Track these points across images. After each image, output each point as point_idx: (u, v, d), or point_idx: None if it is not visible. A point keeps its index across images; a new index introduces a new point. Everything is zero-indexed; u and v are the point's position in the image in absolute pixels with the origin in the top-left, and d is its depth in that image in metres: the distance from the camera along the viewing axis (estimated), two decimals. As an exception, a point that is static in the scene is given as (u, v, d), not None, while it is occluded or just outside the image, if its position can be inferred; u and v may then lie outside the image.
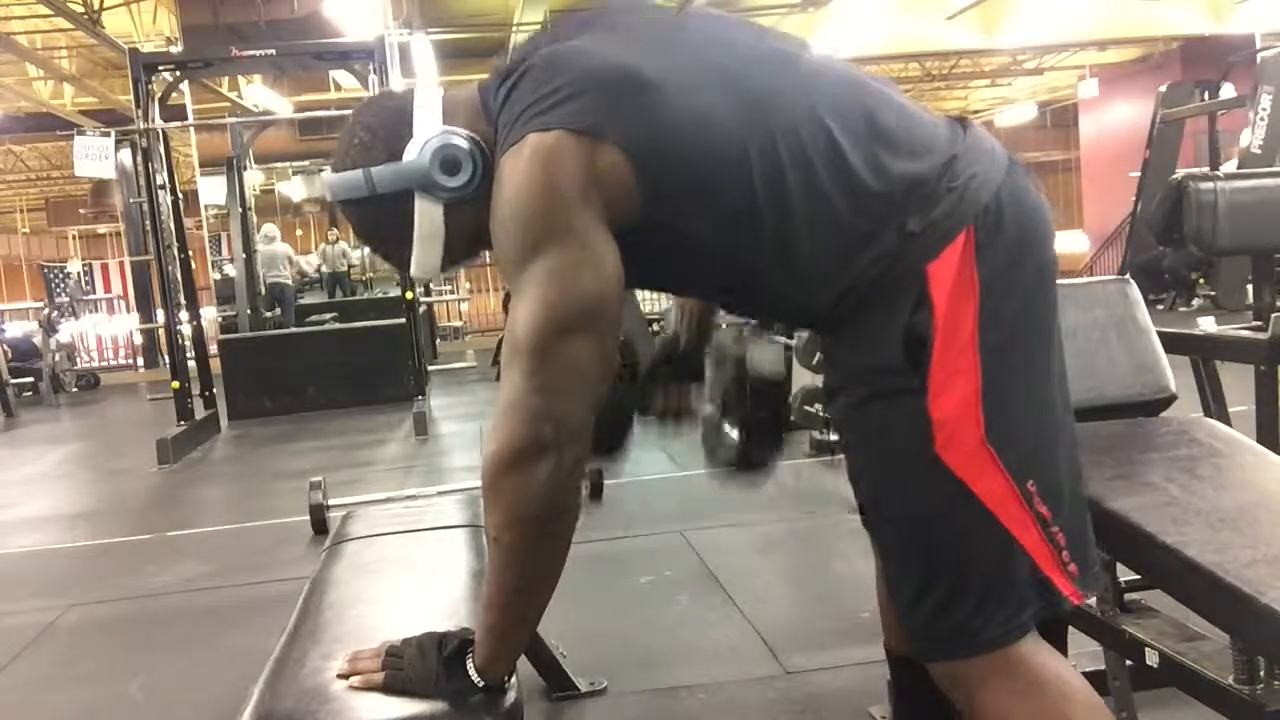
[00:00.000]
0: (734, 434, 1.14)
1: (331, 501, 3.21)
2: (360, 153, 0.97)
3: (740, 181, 0.89)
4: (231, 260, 8.15)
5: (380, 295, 9.32)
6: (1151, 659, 1.29)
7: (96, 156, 5.39)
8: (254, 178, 8.93)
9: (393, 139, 0.96)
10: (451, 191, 0.94)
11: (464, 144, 0.94)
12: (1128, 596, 1.38)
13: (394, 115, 0.98)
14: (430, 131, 0.95)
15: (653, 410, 1.17)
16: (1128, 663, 1.38)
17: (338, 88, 9.12)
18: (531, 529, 0.89)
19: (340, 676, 1.00)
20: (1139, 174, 7.31)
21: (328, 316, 8.55)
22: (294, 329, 8.08)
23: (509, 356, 0.88)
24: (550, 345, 0.86)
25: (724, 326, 1.19)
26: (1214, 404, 2.02)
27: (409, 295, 5.67)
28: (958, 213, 0.90)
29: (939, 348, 0.89)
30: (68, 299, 9.14)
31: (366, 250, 10.12)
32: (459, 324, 10.63)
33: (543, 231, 0.86)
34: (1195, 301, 5.54)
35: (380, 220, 0.99)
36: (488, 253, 1.02)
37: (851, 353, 0.95)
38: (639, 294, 4.70)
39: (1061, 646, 1.36)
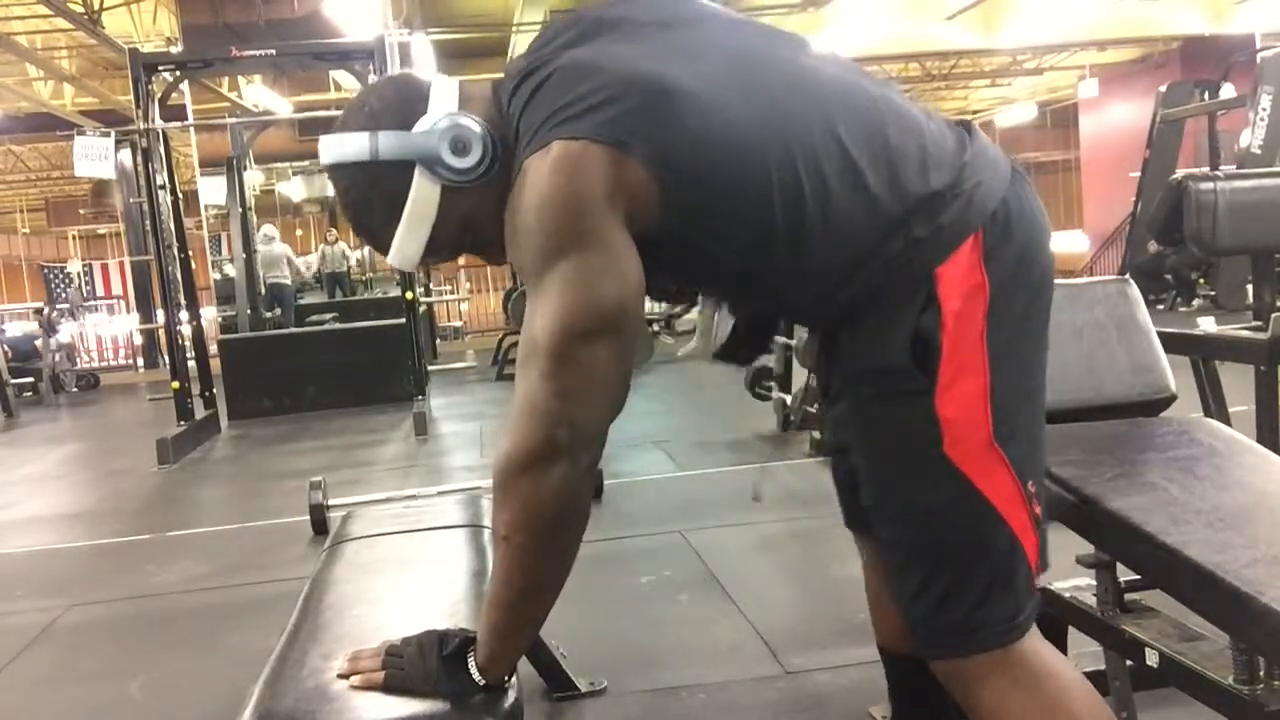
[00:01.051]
0: (728, 325, 1.13)
1: (331, 501, 3.21)
2: (369, 118, 0.95)
3: (760, 199, 0.90)
4: (231, 260, 8.15)
5: (380, 295, 9.32)
6: (1151, 659, 1.28)
7: (96, 156, 5.39)
8: (254, 178, 8.92)
9: (406, 113, 0.94)
10: (455, 173, 0.93)
11: (477, 128, 0.93)
12: (1127, 596, 1.38)
13: (411, 92, 0.97)
14: (445, 111, 0.94)
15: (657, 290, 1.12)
16: (1128, 663, 1.38)
17: (338, 88, 9.12)
18: (543, 531, 0.89)
19: (340, 676, 1.00)
20: (1139, 174, 7.31)
21: (328, 317, 8.55)
22: (294, 329, 8.08)
23: (526, 358, 0.88)
24: (570, 350, 0.86)
25: None
26: (1214, 404, 2.03)
27: (409, 295, 5.67)
28: (965, 219, 0.91)
29: (948, 347, 0.90)
30: (68, 305, 9.13)
31: (366, 251, 10.23)
32: (459, 324, 10.63)
33: (567, 236, 0.86)
34: (1195, 301, 5.53)
35: (373, 190, 0.96)
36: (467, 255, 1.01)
37: (857, 354, 0.95)
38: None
39: (1061, 646, 1.37)
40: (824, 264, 0.92)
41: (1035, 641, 0.96)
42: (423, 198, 0.94)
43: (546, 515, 0.88)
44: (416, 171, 0.94)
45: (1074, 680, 0.97)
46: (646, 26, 0.96)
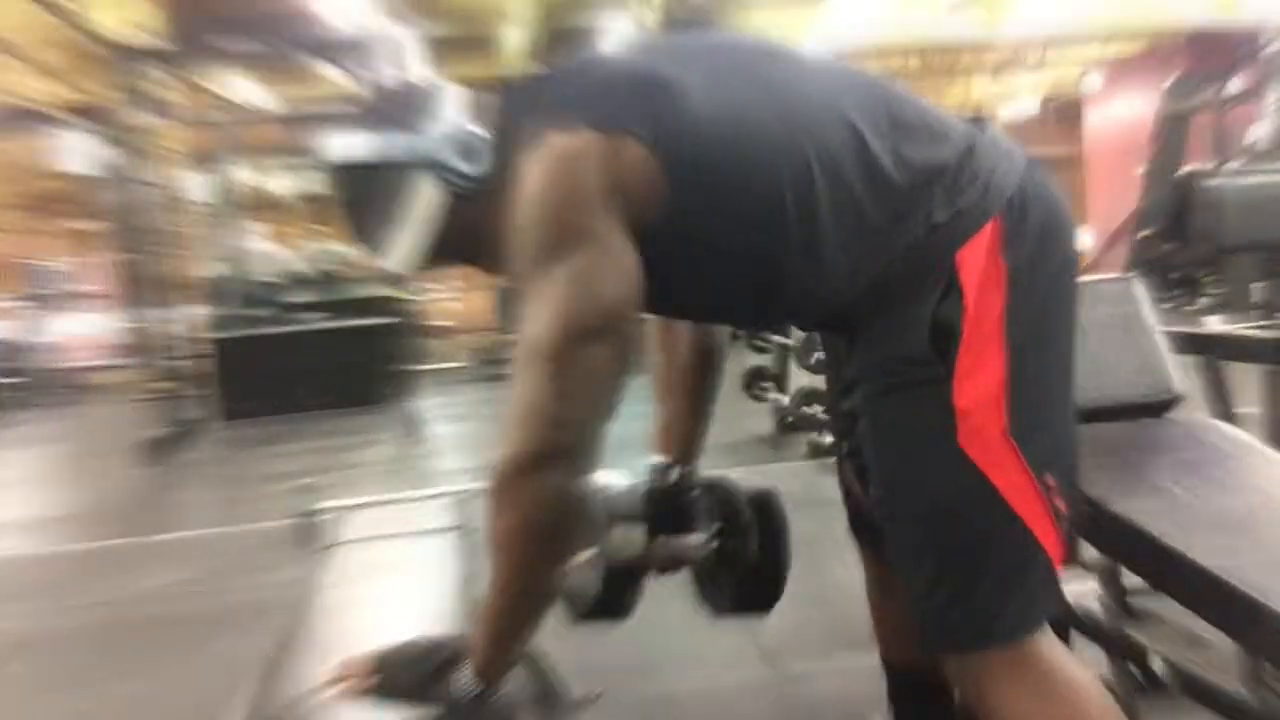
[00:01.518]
0: (731, 577, 1.18)
1: (322, 504, 3.17)
2: (379, 120, 0.95)
3: (767, 176, 0.89)
4: (219, 258, 8.08)
5: (370, 295, 9.25)
6: (1156, 664, 1.27)
7: (80, 152, 5.33)
8: (240, 173, 8.85)
9: (414, 118, 0.94)
10: (459, 180, 0.93)
11: (485, 138, 0.94)
12: (1131, 601, 1.36)
13: (420, 98, 0.97)
14: (455, 119, 0.95)
15: (655, 568, 1.19)
16: (1131, 668, 1.37)
17: (325, 82, 9.06)
18: (543, 533, 0.88)
19: (331, 682, 0.98)
20: (1145, 169, 7.27)
21: (317, 316, 8.49)
22: (283, 329, 8.02)
23: (524, 359, 0.87)
24: (570, 350, 0.85)
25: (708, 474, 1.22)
26: (1221, 405, 2.00)
27: (399, 295, 5.63)
28: (983, 204, 0.90)
29: (966, 336, 0.88)
30: (51, 291, 9.06)
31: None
32: (450, 324, 10.59)
33: (563, 234, 0.85)
34: (1202, 300, 5.51)
35: (374, 191, 0.95)
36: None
37: (875, 343, 0.94)
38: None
39: (1066, 651, 1.35)
40: (839, 245, 0.90)
41: (1048, 640, 0.95)
42: (425, 202, 0.94)
43: (549, 517, 0.87)
44: (422, 177, 0.93)
45: (1086, 680, 0.95)
46: (639, 44, 1.00)
